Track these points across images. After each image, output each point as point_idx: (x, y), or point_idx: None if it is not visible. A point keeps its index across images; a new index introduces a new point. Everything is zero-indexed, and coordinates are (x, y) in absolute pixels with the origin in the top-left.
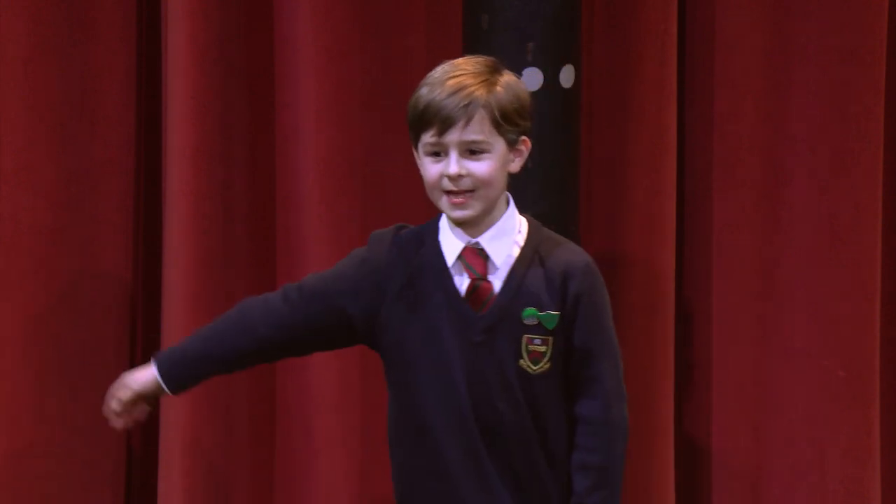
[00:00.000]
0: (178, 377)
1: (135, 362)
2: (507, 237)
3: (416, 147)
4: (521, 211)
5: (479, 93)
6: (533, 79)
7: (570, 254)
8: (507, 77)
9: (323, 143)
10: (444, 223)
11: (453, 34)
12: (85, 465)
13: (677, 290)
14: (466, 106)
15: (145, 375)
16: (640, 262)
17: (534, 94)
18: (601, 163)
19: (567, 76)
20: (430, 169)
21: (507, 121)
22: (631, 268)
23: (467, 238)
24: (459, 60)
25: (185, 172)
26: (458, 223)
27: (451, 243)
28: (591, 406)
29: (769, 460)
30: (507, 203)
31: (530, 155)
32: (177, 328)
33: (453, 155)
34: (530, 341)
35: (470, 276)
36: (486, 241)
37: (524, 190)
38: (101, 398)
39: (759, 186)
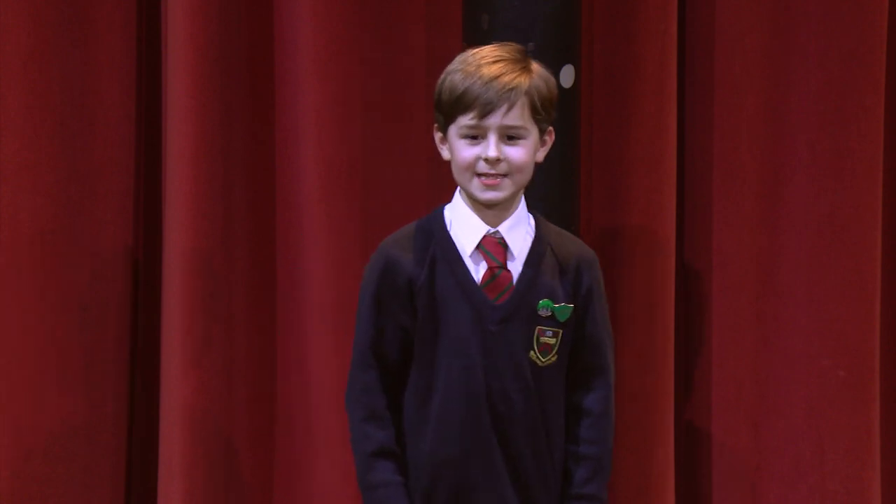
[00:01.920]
0: None
1: (135, 362)
2: (523, 227)
3: (445, 130)
4: None
5: (521, 79)
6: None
7: (579, 247)
8: (538, 66)
9: (323, 143)
10: (455, 213)
11: (453, 34)
12: (85, 466)
13: (677, 289)
14: (510, 91)
15: None
16: (640, 261)
17: None
18: (601, 163)
19: (567, 76)
20: (466, 151)
21: (543, 109)
22: (631, 267)
23: (487, 227)
24: (490, 47)
25: (185, 172)
26: (487, 205)
27: (468, 232)
28: (593, 399)
29: (769, 460)
30: (521, 194)
31: None
32: (177, 328)
33: (492, 138)
34: (542, 333)
35: (489, 265)
36: (505, 229)
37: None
38: (101, 398)
39: (759, 186)
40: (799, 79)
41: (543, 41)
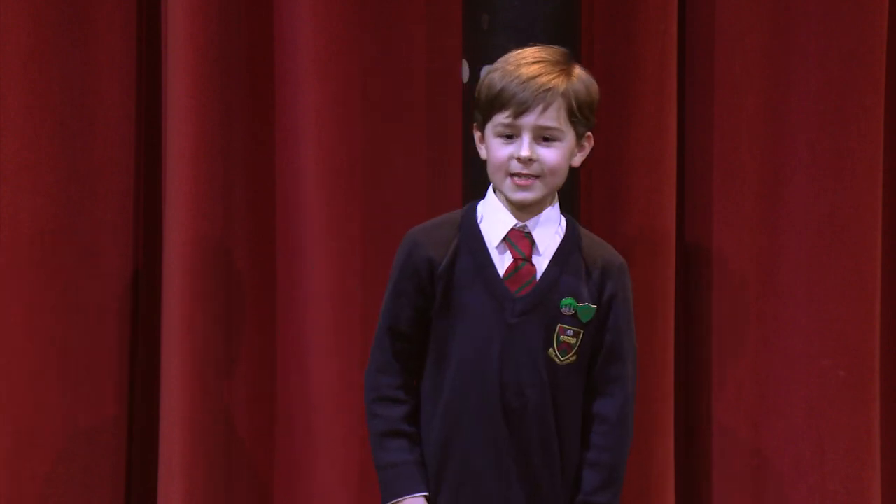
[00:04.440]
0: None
1: (135, 362)
2: (552, 226)
3: (483, 128)
4: None
5: (559, 81)
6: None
7: (608, 252)
8: (580, 70)
9: (323, 143)
10: (487, 208)
11: (453, 34)
12: (85, 466)
13: (677, 289)
14: (546, 92)
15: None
16: (640, 261)
17: None
18: (601, 163)
19: None
20: (500, 150)
21: (581, 113)
22: (631, 267)
23: (515, 221)
24: (533, 48)
25: (185, 172)
26: (518, 206)
27: (496, 225)
28: (610, 406)
29: (769, 460)
30: (555, 195)
31: None
32: (177, 328)
33: (526, 138)
34: (563, 331)
35: (514, 256)
36: (533, 225)
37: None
38: (101, 398)
39: (759, 186)
40: (799, 79)
41: (543, 41)
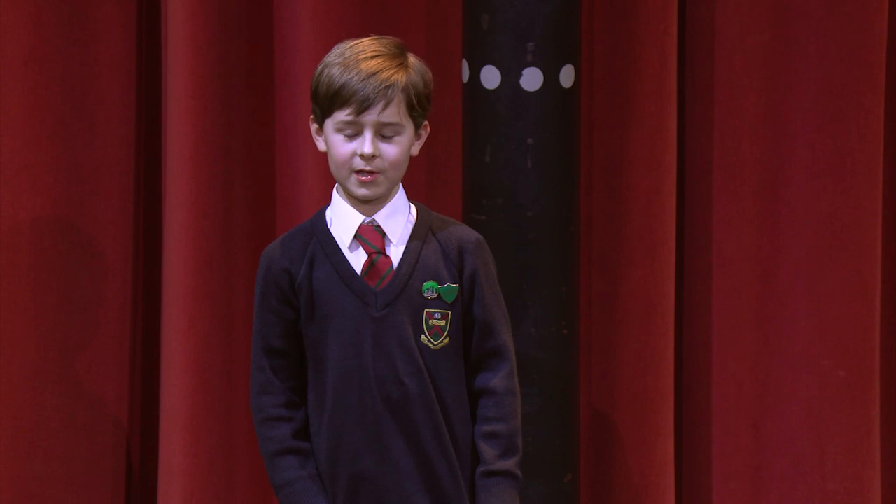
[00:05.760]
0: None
1: (135, 362)
2: (401, 215)
3: (322, 122)
4: (520, 209)
5: (399, 76)
6: (533, 79)
7: (463, 230)
8: (414, 60)
9: None
10: (335, 211)
11: (453, 34)
12: (85, 466)
13: (677, 289)
14: (387, 89)
15: None
16: (640, 262)
17: (534, 94)
18: (601, 163)
19: (567, 76)
20: (342, 147)
21: (419, 105)
22: (631, 268)
23: (363, 217)
24: (367, 40)
25: (185, 172)
26: (362, 201)
27: (346, 224)
28: (495, 378)
29: (769, 460)
30: (399, 185)
31: (530, 154)
32: (177, 328)
33: (368, 135)
34: (430, 315)
35: (367, 251)
36: (381, 218)
37: (524, 189)
38: (101, 398)
39: (759, 186)
40: (799, 79)
41: (543, 41)
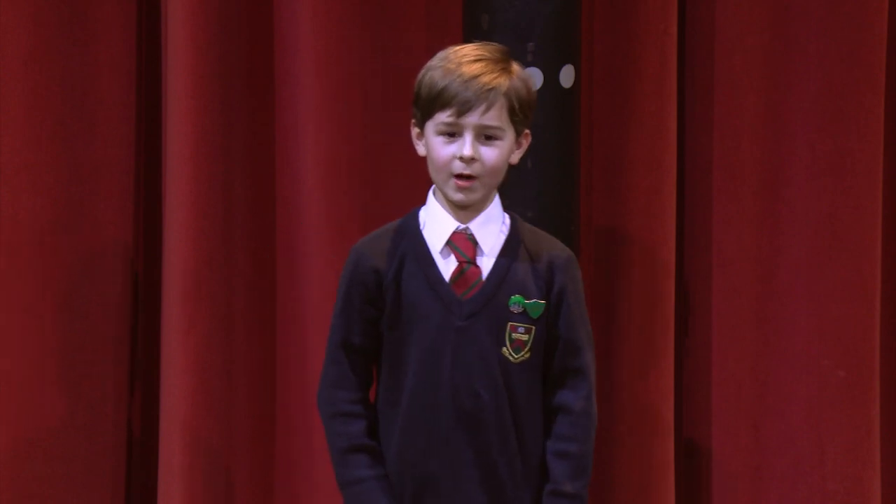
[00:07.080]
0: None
1: (135, 362)
2: (495, 225)
3: (422, 125)
4: (521, 210)
5: (501, 80)
6: (533, 79)
7: (554, 246)
8: (518, 67)
9: (323, 143)
10: (429, 213)
11: (453, 34)
12: (85, 465)
13: (677, 289)
14: (489, 91)
15: None
16: (640, 261)
17: None
18: (601, 163)
19: (567, 76)
20: (442, 150)
21: (521, 111)
22: (631, 268)
23: (457, 223)
24: (472, 45)
25: (185, 172)
26: (458, 206)
27: (439, 229)
28: (574, 397)
29: (769, 460)
30: (496, 194)
31: (530, 154)
32: (177, 328)
33: (468, 137)
34: (514, 329)
35: (458, 259)
36: (475, 226)
37: (524, 189)
38: (101, 398)
39: (759, 186)
40: (799, 79)
41: (543, 41)
